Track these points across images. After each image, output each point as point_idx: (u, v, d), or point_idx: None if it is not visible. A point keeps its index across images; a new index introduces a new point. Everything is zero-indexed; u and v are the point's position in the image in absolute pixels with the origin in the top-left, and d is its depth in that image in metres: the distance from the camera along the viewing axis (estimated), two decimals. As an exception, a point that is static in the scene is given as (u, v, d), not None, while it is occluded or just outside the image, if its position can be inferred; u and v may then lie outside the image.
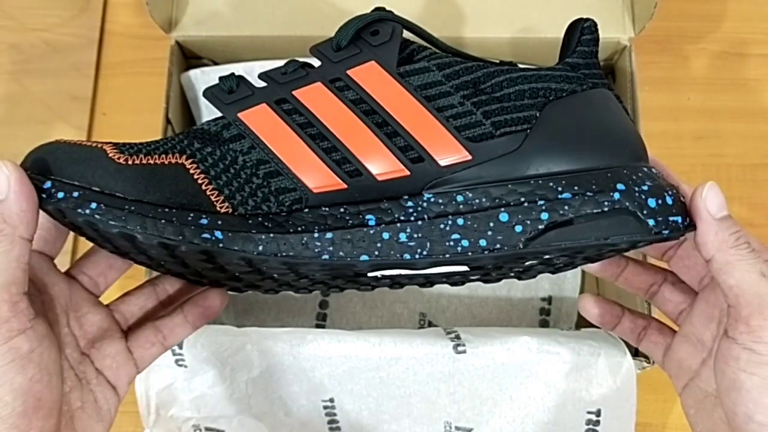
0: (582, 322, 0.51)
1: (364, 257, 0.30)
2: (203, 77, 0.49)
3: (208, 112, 0.50)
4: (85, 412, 0.30)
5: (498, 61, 0.33)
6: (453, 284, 0.36)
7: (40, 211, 0.28)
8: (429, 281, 0.35)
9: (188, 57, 0.51)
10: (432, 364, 0.40)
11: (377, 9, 0.33)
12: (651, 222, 0.29)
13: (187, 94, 0.50)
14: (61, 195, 0.28)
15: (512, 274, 0.35)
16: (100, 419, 0.31)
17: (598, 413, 0.41)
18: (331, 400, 0.42)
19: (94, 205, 0.28)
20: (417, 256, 0.30)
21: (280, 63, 0.48)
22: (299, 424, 0.44)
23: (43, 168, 0.29)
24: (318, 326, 0.51)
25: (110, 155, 0.30)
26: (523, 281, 0.51)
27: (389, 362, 0.40)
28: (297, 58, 0.33)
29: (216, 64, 0.51)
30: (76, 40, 0.58)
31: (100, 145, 0.30)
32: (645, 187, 0.30)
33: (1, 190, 0.27)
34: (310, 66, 0.32)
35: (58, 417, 0.28)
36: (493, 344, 0.40)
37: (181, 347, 0.40)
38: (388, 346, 0.40)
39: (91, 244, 0.33)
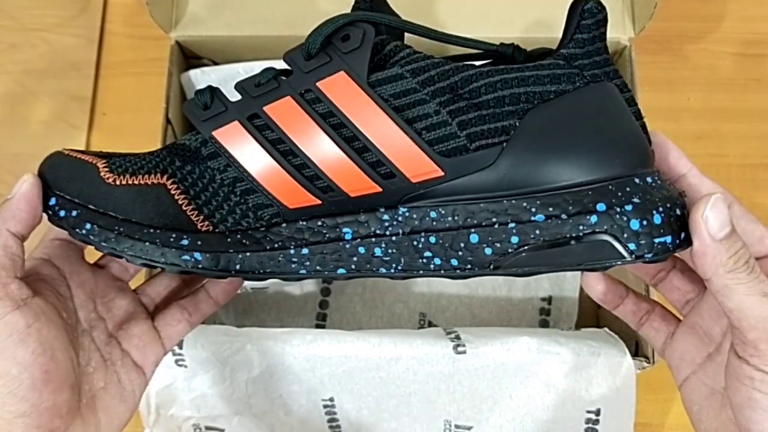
0: (582, 322, 0.51)
1: (341, 270, 0.30)
2: (203, 77, 0.49)
3: (208, 112, 0.50)
4: (107, 393, 0.31)
5: (493, 48, 0.31)
6: (452, 278, 0.36)
7: None
8: None
9: (188, 57, 0.51)
10: (432, 364, 0.40)
11: (354, 8, 0.31)
12: (632, 246, 0.27)
13: (187, 94, 0.50)
14: (63, 213, 0.31)
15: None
16: (123, 400, 0.32)
17: (597, 413, 0.41)
18: (331, 400, 0.43)
19: (88, 226, 0.30)
20: (392, 271, 0.30)
21: (280, 63, 0.48)
22: (299, 422, 0.44)
23: (48, 182, 0.31)
24: (318, 326, 0.51)
25: (101, 174, 0.31)
26: (523, 281, 0.51)
27: (389, 362, 0.40)
28: (274, 66, 0.32)
29: (216, 64, 0.51)
30: (76, 40, 0.58)
31: (93, 161, 0.32)
32: (629, 207, 0.27)
33: (14, 190, 0.30)
34: (285, 74, 0.31)
35: (71, 393, 0.29)
36: (493, 344, 0.40)
37: (181, 347, 0.40)
38: (388, 346, 0.40)
39: None
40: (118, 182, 0.31)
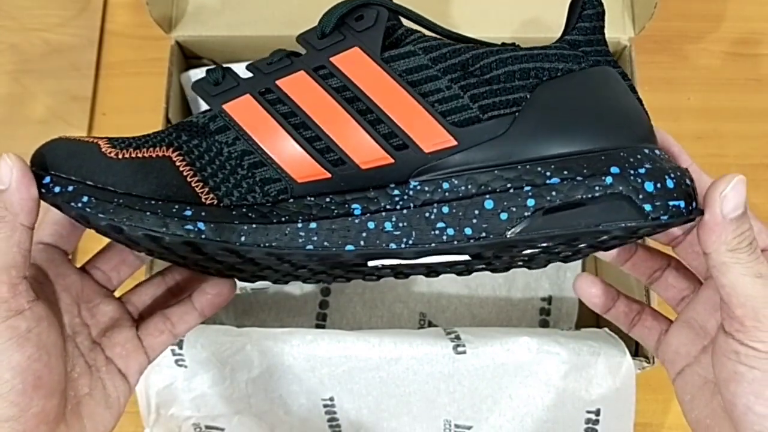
0: (582, 322, 0.51)
1: (349, 247, 0.29)
2: (203, 77, 0.49)
3: (208, 112, 0.50)
4: (92, 399, 0.31)
5: (498, 44, 0.32)
6: (458, 274, 0.35)
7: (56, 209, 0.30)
8: (433, 270, 0.34)
9: (188, 57, 0.51)
10: (432, 365, 0.40)
11: None
12: (647, 207, 0.28)
13: (187, 94, 0.50)
14: (57, 189, 0.29)
15: (519, 263, 0.34)
16: (108, 407, 0.31)
17: (597, 412, 0.42)
18: (331, 399, 0.43)
19: (85, 199, 0.29)
20: (403, 245, 0.29)
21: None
22: (299, 422, 0.44)
23: (44, 163, 0.30)
24: (318, 326, 0.51)
25: (103, 149, 0.30)
26: (523, 281, 0.51)
27: (389, 362, 0.40)
28: (284, 48, 0.32)
29: (216, 64, 0.51)
30: (76, 40, 0.58)
31: (95, 140, 0.31)
32: (642, 170, 0.28)
33: (3, 180, 0.28)
34: (297, 55, 0.31)
35: (60, 399, 0.29)
36: (493, 345, 0.40)
37: (181, 347, 0.40)
38: (388, 346, 0.40)
39: (107, 241, 0.34)
40: (120, 156, 0.30)
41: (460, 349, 0.39)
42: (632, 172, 0.28)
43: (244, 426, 0.44)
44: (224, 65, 0.32)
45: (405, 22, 0.33)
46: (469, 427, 0.43)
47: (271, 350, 0.40)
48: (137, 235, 0.29)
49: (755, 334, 0.27)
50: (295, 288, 0.51)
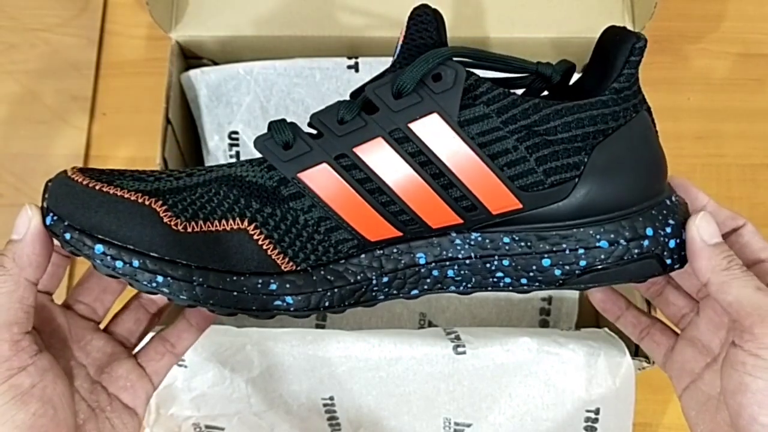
0: (582, 322, 0.51)
1: (414, 291, 0.33)
2: (203, 77, 0.49)
3: (207, 112, 0.50)
4: None
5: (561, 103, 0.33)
6: (520, 292, 0.36)
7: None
8: None
9: (188, 57, 0.51)
10: (432, 365, 0.40)
11: (424, 8, 0.32)
12: (669, 261, 0.32)
13: (187, 94, 0.50)
14: (119, 265, 0.29)
15: None
16: None
17: (596, 412, 0.42)
18: (331, 398, 0.43)
19: (160, 279, 0.29)
20: (461, 288, 0.33)
21: (280, 63, 0.48)
22: (299, 421, 0.44)
23: (91, 226, 0.29)
24: (318, 326, 0.51)
25: (165, 220, 0.29)
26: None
27: (389, 362, 0.40)
28: (345, 99, 0.32)
29: (216, 64, 0.51)
30: (76, 40, 0.58)
31: (148, 202, 0.30)
32: (668, 229, 0.32)
33: (19, 230, 0.28)
34: (367, 110, 0.31)
35: None
36: (492, 345, 0.40)
37: (181, 347, 0.40)
38: (388, 346, 0.40)
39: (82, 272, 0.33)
40: (188, 229, 0.30)
41: (460, 349, 0.40)
42: (661, 232, 0.32)
43: (244, 426, 0.44)
44: (288, 122, 0.32)
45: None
46: (469, 425, 0.43)
47: (271, 350, 0.40)
48: (223, 314, 0.30)
49: (763, 340, 0.28)
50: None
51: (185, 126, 0.50)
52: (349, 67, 0.48)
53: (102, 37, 0.58)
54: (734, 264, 0.30)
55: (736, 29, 0.58)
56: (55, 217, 0.29)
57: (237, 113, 0.50)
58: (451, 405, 0.43)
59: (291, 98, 0.50)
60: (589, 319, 0.51)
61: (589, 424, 0.42)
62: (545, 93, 0.35)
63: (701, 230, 0.31)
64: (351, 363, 0.40)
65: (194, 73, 0.49)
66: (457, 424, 0.43)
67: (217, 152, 0.51)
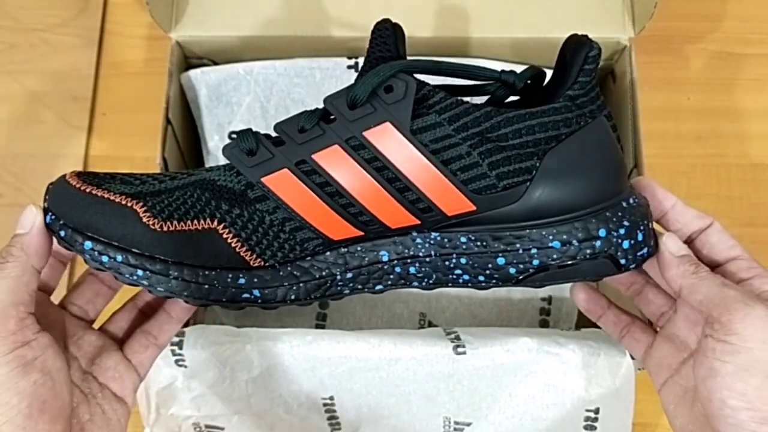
0: (582, 322, 0.51)
1: (378, 287, 0.35)
2: (203, 77, 0.49)
3: (207, 112, 0.50)
4: (95, 424, 0.32)
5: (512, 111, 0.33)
6: (479, 289, 0.37)
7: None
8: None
9: (188, 57, 0.51)
10: (432, 365, 0.40)
11: (384, 22, 0.34)
12: (623, 261, 0.33)
13: (187, 94, 0.50)
14: (105, 259, 0.32)
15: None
16: (110, 429, 0.33)
17: (596, 411, 0.42)
18: (331, 398, 0.43)
19: (140, 272, 0.32)
20: (423, 284, 0.35)
21: (280, 63, 0.49)
22: (299, 420, 0.44)
23: (82, 224, 0.32)
24: (318, 326, 0.51)
25: (144, 220, 0.33)
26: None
27: (389, 363, 0.40)
28: (307, 109, 0.34)
29: (216, 64, 0.51)
30: (76, 40, 0.58)
31: (130, 204, 0.33)
32: (622, 231, 0.33)
33: (25, 225, 0.32)
34: (324, 119, 0.33)
35: (65, 425, 0.30)
36: (492, 345, 0.40)
37: (181, 347, 0.40)
38: (388, 346, 0.40)
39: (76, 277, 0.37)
40: (164, 228, 0.33)
41: (460, 349, 0.40)
42: (615, 233, 0.33)
43: (244, 425, 0.44)
44: (253, 131, 0.34)
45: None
46: (469, 424, 0.43)
47: (271, 350, 0.40)
48: (196, 305, 0.34)
49: (730, 327, 0.29)
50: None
51: (185, 126, 0.50)
52: (349, 67, 0.49)
53: (102, 37, 0.58)
54: (701, 268, 0.32)
55: (736, 29, 0.58)
56: (53, 216, 0.33)
57: (237, 113, 0.50)
58: (451, 404, 0.43)
59: (291, 98, 0.50)
60: (588, 319, 0.50)
61: (589, 423, 0.42)
62: (516, 98, 0.36)
63: (668, 245, 0.33)
64: (351, 363, 0.40)
65: (194, 73, 0.49)
66: (456, 423, 0.43)
67: (217, 152, 0.51)
